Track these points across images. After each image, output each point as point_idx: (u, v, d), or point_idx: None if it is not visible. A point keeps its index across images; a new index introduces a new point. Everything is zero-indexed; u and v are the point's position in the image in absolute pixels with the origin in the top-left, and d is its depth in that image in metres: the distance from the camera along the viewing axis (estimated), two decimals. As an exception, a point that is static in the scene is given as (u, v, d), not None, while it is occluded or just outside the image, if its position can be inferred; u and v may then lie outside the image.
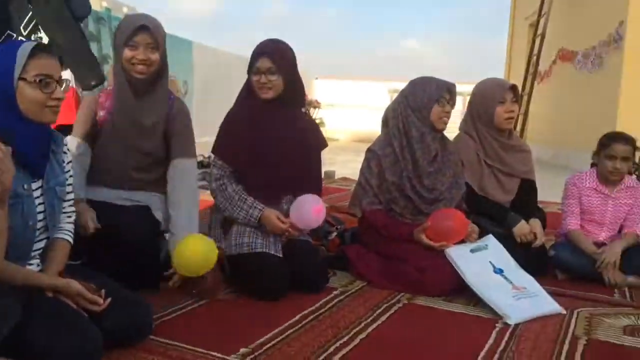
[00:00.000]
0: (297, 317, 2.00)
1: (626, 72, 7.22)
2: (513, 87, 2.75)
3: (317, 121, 12.89)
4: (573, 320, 2.11)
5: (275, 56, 2.29)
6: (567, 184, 2.81)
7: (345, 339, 1.84)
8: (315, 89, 14.17)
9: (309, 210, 2.26)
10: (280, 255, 2.27)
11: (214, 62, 8.22)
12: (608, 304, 2.33)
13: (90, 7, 2.98)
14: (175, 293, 2.15)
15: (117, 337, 1.61)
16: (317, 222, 2.30)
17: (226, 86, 8.24)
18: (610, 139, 2.67)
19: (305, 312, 2.05)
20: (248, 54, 2.39)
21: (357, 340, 1.83)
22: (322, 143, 2.55)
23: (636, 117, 6.65)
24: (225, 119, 2.43)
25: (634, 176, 2.81)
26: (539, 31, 9.31)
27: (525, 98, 9.12)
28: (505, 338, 1.91)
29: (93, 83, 2.85)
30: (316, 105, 12.23)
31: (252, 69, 2.31)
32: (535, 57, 9.34)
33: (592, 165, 2.80)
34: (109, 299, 1.60)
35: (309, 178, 2.44)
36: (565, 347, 1.86)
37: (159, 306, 1.99)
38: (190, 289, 2.14)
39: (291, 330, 1.88)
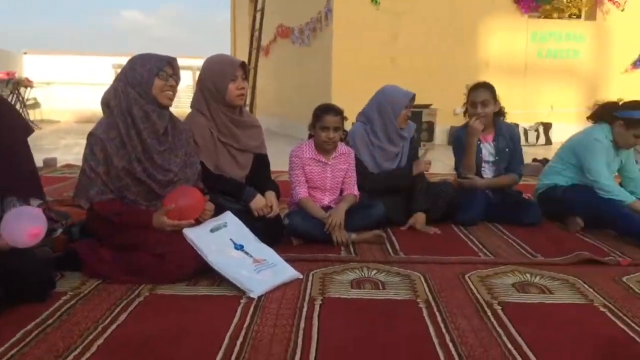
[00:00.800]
0: (19, 334, 1.72)
1: (336, 46, 8.00)
2: (243, 64, 2.78)
3: (31, 102, 11.38)
4: (309, 283, 2.26)
5: None
6: (290, 157, 2.99)
7: (79, 349, 1.64)
8: (25, 65, 12.44)
9: (22, 235, 1.90)
10: (-12, 266, 1.91)
11: None
12: (337, 262, 2.56)
13: None
14: None
15: None
16: (32, 244, 1.97)
17: None
18: (322, 111, 2.91)
19: (29, 326, 1.78)
20: None
21: (94, 348, 1.65)
22: (27, 129, 2.22)
23: (346, 87, 7.44)
24: None
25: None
26: (259, 7, 9.70)
27: (252, 73, 9.48)
28: (250, 312, 1.94)
29: None
30: (27, 84, 10.78)
31: None
32: (257, 33, 9.72)
33: (310, 136, 3.02)
34: None
35: (17, 174, 2.10)
36: (304, 309, 1.98)
37: None
38: None
39: (12, 352, 1.61)
